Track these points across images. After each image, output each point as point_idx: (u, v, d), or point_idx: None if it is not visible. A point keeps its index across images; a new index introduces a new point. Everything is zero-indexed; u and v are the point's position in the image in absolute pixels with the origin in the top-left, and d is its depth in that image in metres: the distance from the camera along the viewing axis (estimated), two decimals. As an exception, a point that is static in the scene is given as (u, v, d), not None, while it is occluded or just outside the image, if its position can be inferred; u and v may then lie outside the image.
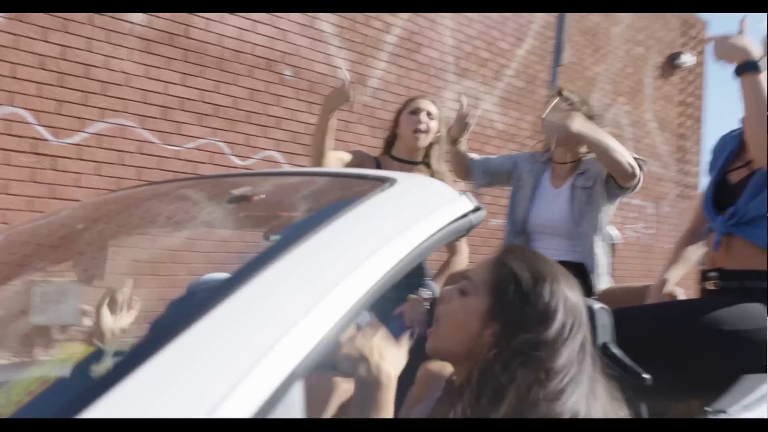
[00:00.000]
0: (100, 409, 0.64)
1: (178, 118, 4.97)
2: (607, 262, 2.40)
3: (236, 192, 1.50)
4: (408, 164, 2.63)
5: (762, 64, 1.64)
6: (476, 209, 1.08)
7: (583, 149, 2.38)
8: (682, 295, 1.98)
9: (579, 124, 2.16)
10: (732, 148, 1.88)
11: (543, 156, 2.51)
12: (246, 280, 0.76)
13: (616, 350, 1.25)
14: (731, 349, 1.62)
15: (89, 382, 0.96)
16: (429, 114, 2.59)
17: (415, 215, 0.97)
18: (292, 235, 0.86)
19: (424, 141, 2.58)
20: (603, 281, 2.36)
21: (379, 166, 2.67)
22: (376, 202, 0.99)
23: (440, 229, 0.98)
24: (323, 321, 0.73)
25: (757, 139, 1.65)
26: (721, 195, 1.84)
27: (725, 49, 1.70)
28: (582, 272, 2.24)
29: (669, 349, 1.12)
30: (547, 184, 2.43)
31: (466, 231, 1.05)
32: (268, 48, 5.52)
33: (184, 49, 5.00)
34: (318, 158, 2.52)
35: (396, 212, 0.98)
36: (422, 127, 2.56)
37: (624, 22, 9.46)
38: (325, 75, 5.97)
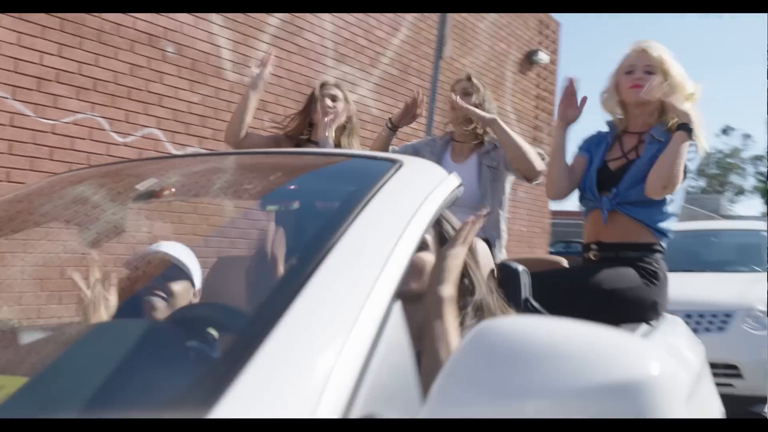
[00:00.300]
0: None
1: (55, 90, 4.77)
2: (505, 237, 2.78)
3: (142, 187, 1.55)
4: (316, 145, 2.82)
5: (694, 132, 2.09)
6: (460, 185, 1.28)
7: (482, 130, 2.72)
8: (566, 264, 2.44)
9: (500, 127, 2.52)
10: (607, 143, 2.31)
11: (443, 138, 2.81)
12: (322, 254, 0.87)
13: (535, 303, 1.58)
14: (610, 304, 2.06)
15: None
16: (333, 98, 2.81)
17: (424, 193, 1.14)
18: (342, 214, 1.00)
19: (332, 125, 2.78)
20: (503, 254, 2.72)
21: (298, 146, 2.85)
22: (395, 181, 1.15)
23: (441, 204, 1.17)
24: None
25: (658, 178, 2.09)
26: (604, 179, 2.26)
27: (678, 109, 2.11)
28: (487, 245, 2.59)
29: (564, 305, 1.43)
30: (449, 160, 2.73)
31: (453, 203, 1.25)
32: (151, 23, 5.41)
33: (61, 19, 4.79)
34: (236, 136, 2.67)
35: (411, 191, 1.14)
36: (329, 111, 2.77)
37: (489, 18, 10.10)
38: (208, 54, 5.95)
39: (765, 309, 4.61)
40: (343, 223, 0.96)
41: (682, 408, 0.74)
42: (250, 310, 1.10)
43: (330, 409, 0.68)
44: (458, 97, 2.66)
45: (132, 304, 1.49)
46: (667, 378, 0.71)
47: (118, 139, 5.19)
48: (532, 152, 2.60)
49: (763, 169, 40.29)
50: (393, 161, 1.26)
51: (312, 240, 0.95)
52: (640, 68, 2.23)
